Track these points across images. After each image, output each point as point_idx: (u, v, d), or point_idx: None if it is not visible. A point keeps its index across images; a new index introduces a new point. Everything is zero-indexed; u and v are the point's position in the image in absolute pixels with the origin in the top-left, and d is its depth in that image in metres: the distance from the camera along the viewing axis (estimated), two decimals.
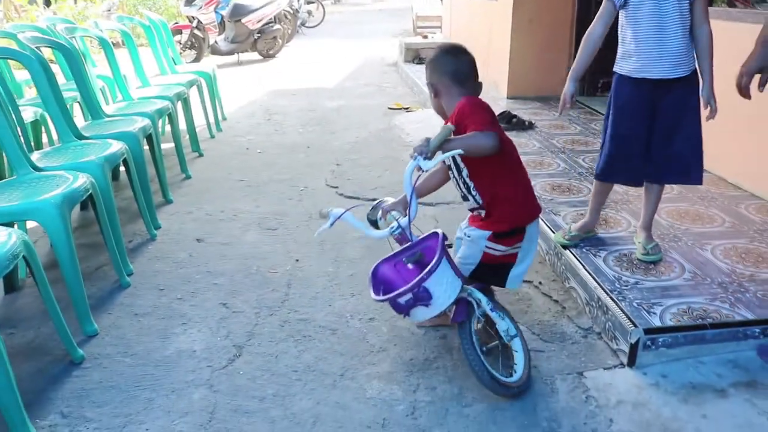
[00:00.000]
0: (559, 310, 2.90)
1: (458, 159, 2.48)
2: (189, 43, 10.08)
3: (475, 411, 2.25)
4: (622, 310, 2.54)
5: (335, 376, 2.46)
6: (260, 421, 2.22)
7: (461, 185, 2.55)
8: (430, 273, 2.21)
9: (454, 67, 2.48)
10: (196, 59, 10.05)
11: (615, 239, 3.21)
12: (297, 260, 3.44)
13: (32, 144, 3.92)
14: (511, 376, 2.35)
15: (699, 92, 2.84)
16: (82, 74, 4.03)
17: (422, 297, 2.22)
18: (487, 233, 2.47)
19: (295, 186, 4.56)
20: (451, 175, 2.60)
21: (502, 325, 2.41)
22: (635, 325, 2.43)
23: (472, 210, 2.60)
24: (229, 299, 3.05)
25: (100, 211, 3.07)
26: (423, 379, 2.43)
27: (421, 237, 2.52)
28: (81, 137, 3.64)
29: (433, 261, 2.25)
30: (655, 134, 2.89)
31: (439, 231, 2.45)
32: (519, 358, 2.40)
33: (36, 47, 3.61)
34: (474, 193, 2.49)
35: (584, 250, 3.09)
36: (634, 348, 2.41)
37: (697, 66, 2.83)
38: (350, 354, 2.61)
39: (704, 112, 2.83)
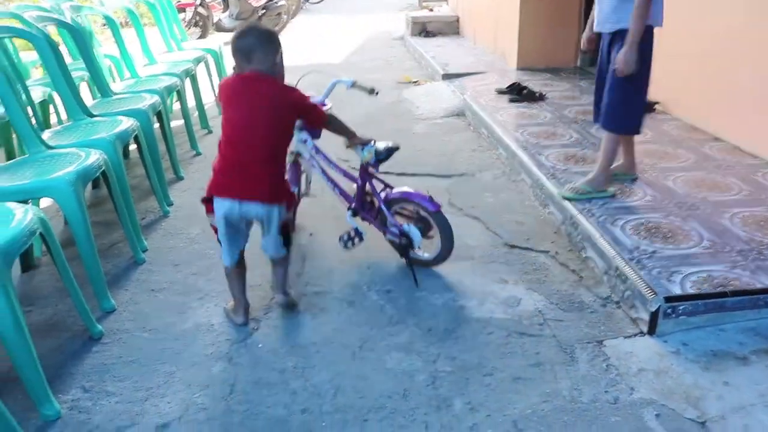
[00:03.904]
0: (577, 279, 2.89)
1: None
2: (193, 20, 10.01)
3: (495, 380, 2.24)
4: (641, 278, 2.53)
5: (354, 348, 2.46)
6: (281, 393, 2.23)
7: None
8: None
9: (239, 46, 2.47)
10: (201, 37, 9.98)
11: (632, 208, 3.19)
12: (311, 234, 3.43)
13: (42, 123, 3.90)
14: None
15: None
16: (90, 52, 4.00)
17: None
18: None
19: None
20: None
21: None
22: (655, 293, 2.42)
23: None
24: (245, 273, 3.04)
25: (114, 187, 3.06)
26: (443, 349, 2.43)
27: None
28: (91, 115, 3.62)
29: None
30: None
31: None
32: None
33: (42, 26, 3.58)
34: None
35: (600, 219, 3.07)
36: (654, 316, 2.39)
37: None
38: (369, 324, 2.60)
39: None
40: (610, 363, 2.30)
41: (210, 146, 5.03)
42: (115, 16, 5.01)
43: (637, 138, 4.24)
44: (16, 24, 3.87)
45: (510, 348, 2.42)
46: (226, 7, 10.61)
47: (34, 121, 3.27)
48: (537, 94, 5.43)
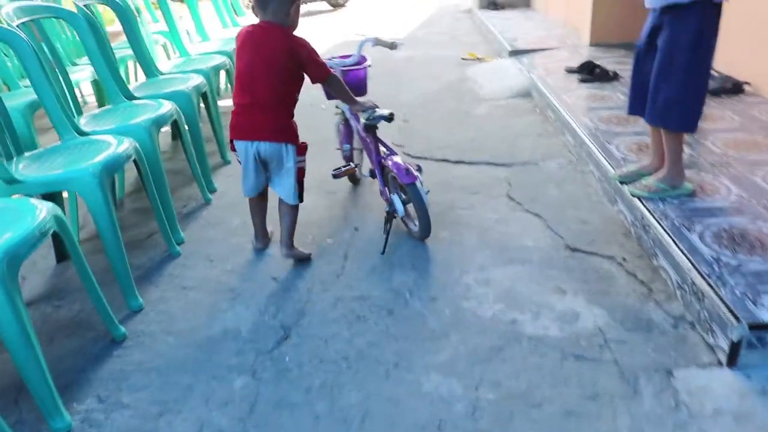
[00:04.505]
0: (645, 292, 2.56)
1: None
2: None
3: (544, 414, 1.97)
4: (721, 298, 2.18)
5: (389, 365, 2.23)
6: (304, 416, 2.02)
7: None
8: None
9: None
10: None
11: (713, 210, 2.81)
12: (356, 229, 3.20)
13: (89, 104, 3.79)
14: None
15: None
16: (135, 32, 3.86)
17: None
18: None
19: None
20: None
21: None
22: (738, 319, 2.08)
23: None
24: (280, 272, 2.85)
25: (146, 176, 2.91)
26: (487, 372, 2.16)
27: None
28: (131, 98, 3.47)
29: None
30: None
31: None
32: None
33: (86, 5, 3.44)
34: None
35: (676, 222, 2.71)
36: (735, 346, 2.06)
37: None
38: (407, 339, 2.36)
39: None
40: (680, 399, 1.99)
41: None
42: None
43: (721, 125, 3.84)
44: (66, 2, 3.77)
45: (564, 374, 2.13)
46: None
47: (72, 104, 3.16)
48: (610, 73, 5.01)
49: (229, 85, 4.97)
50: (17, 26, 2.81)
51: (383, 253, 2.96)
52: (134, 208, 3.61)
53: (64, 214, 2.91)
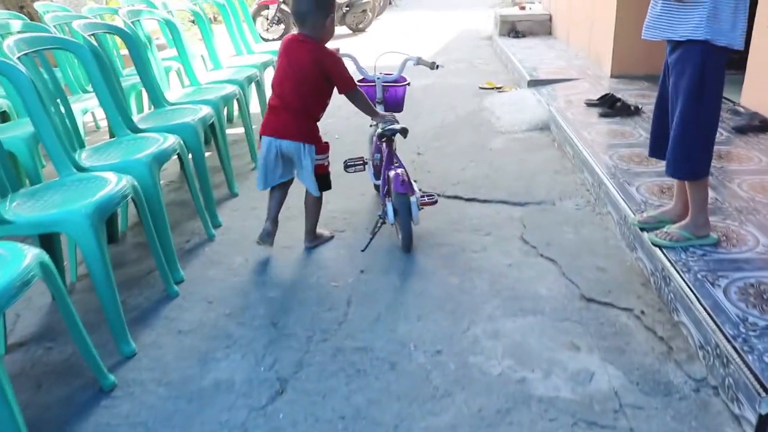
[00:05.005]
0: (665, 351, 2.40)
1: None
2: (276, 17, 9.86)
3: None
4: (748, 366, 2.02)
5: (388, 427, 2.09)
6: None
7: None
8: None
9: (294, 10, 3.00)
10: (283, 35, 9.82)
11: (739, 262, 2.65)
12: (362, 271, 3.06)
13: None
14: None
15: None
16: (144, 61, 3.79)
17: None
18: None
19: (370, 179, 4.14)
20: None
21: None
22: (766, 390, 1.91)
23: None
24: (281, 317, 2.73)
25: (143, 215, 2.81)
26: None
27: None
28: (136, 130, 3.39)
29: None
30: None
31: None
32: None
33: (90, 35, 3.38)
34: None
35: (699, 275, 2.55)
36: (763, 420, 1.89)
37: None
38: (409, 397, 2.22)
39: None
40: None
41: None
42: (179, 18, 4.83)
43: (747, 166, 3.68)
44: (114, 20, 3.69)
45: None
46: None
47: (74, 135, 3.08)
48: (632, 108, 4.86)
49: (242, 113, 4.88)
50: (19, 58, 2.75)
51: (364, 250, 3.21)
52: (136, 243, 3.51)
53: (60, 250, 2.85)
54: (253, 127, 4.88)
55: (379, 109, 3.46)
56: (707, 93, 2.58)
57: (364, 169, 3.69)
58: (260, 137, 3.12)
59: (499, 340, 2.50)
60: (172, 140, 3.19)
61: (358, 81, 3.36)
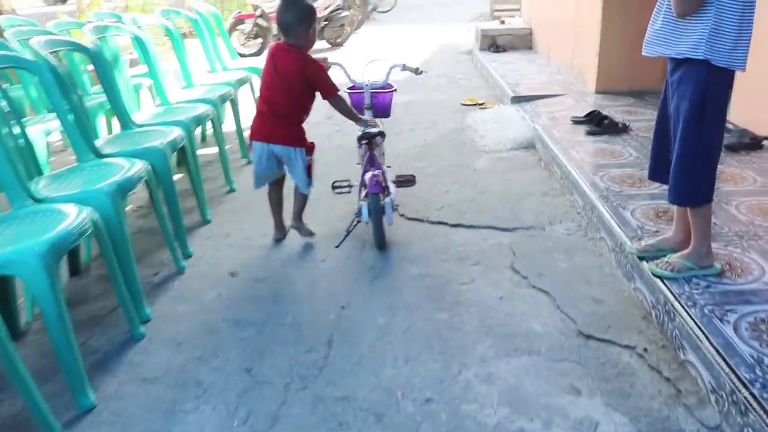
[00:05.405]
0: (673, 394, 2.21)
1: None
2: (253, 32, 9.65)
3: None
4: None
5: None
6: None
7: None
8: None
9: (279, 20, 3.19)
10: (261, 49, 9.62)
11: (746, 294, 2.48)
12: (343, 307, 2.85)
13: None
14: None
15: None
16: (110, 80, 3.57)
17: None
18: None
19: (350, 202, 3.89)
20: None
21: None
22: None
23: None
24: (255, 362, 2.50)
25: (105, 251, 2.58)
26: None
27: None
28: (100, 155, 3.16)
29: None
30: None
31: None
32: None
33: (52, 52, 3.15)
34: None
35: (706, 310, 2.38)
36: None
37: None
38: None
39: None
40: None
41: (247, 180, 4.52)
42: (152, 33, 4.61)
43: (742, 186, 3.54)
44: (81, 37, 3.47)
45: None
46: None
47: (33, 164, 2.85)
48: (620, 125, 4.71)
49: (214, 133, 4.66)
50: None
51: (338, 246, 3.36)
52: (101, 275, 3.27)
53: (13, 287, 2.61)
54: (227, 146, 4.69)
55: (368, 114, 3.59)
56: (708, 115, 2.43)
57: (350, 192, 3.62)
58: (251, 142, 3.29)
59: (493, 384, 2.31)
60: (138, 167, 2.97)
61: (349, 88, 3.68)
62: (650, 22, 2.52)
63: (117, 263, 2.65)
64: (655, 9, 2.49)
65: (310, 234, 3.52)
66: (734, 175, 3.73)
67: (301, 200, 3.48)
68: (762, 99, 4.18)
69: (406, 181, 3.63)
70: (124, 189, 2.80)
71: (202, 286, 3.11)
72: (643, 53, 2.57)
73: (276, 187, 3.48)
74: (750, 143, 4.18)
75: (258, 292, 3.02)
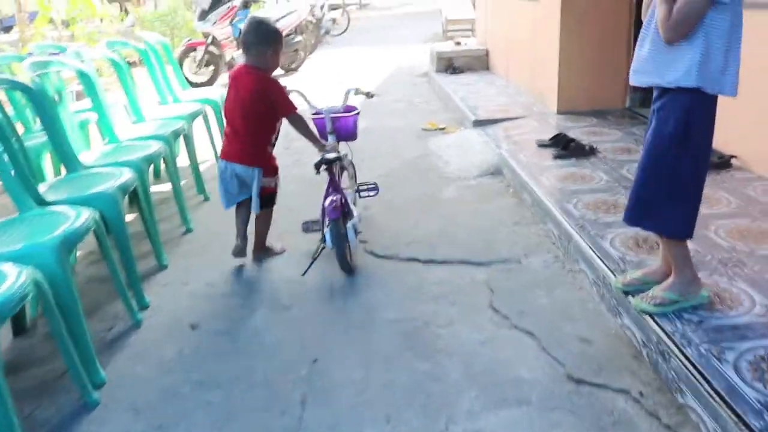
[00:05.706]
0: None
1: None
2: (204, 60, 9.40)
3: None
4: None
5: None
6: None
7: None
8: None
9: (243, 39, 3.30)
10: (213, 77, 9.38)
11: (740, 329, 2.37)
12: (315, 360, 2.65)
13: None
14: None
15: None
16: (51, 119, 3.32)
17: None
18: None
19: (313, 240, 3.67)
20: None
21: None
22: None
23: None
24: (223, 429, 2.28)
25: (49, 313, 2.34)
26: None
27: None
28: (43, 203, 2.91)
29: None
30: None
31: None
32: None
33: None
34: None
35: (702, 349, 2.25)
36: None
37: None
38: None
39: None
40: None
41: (205, 218, 4.32)
42: (98, 64, 4.36)
43: (718, 208, 3.48)
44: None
45: None
46: (239, 45, 10.00)
47: None
48: (587, 148, 4.63)
49: (168, 170, 4.41)
50: None
51: (303, 275, 3.29)
52: (47, 333, 2.98)
53: None
54: (183, 182, 4.45)
55: (331, 139, 3.58)
56: (693, 142, 2.34)
57: (320, 231, 3.44)
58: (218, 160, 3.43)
59: None
60: (86, 215, 2.73)
61: (312, 115, 3.66)
62: (637, 47, 2.42)
63: (64, 324, 2.40)
64: (641, 35, 2.39)
65: (280, 253, 3.59)
66: (708, 196, 3.62)
67: (262, 226, 3.51)
68: (726, 117, 4.13)
69: (369, 190, 3.80)
70: (69, 242, 2.56)
71: (160, 342, 2.86)
72: (630, 83, 2.47)
73: (244, 209, 3.48)
74: (718, 162, 4.12)
75: (222, 347, 2.80)
